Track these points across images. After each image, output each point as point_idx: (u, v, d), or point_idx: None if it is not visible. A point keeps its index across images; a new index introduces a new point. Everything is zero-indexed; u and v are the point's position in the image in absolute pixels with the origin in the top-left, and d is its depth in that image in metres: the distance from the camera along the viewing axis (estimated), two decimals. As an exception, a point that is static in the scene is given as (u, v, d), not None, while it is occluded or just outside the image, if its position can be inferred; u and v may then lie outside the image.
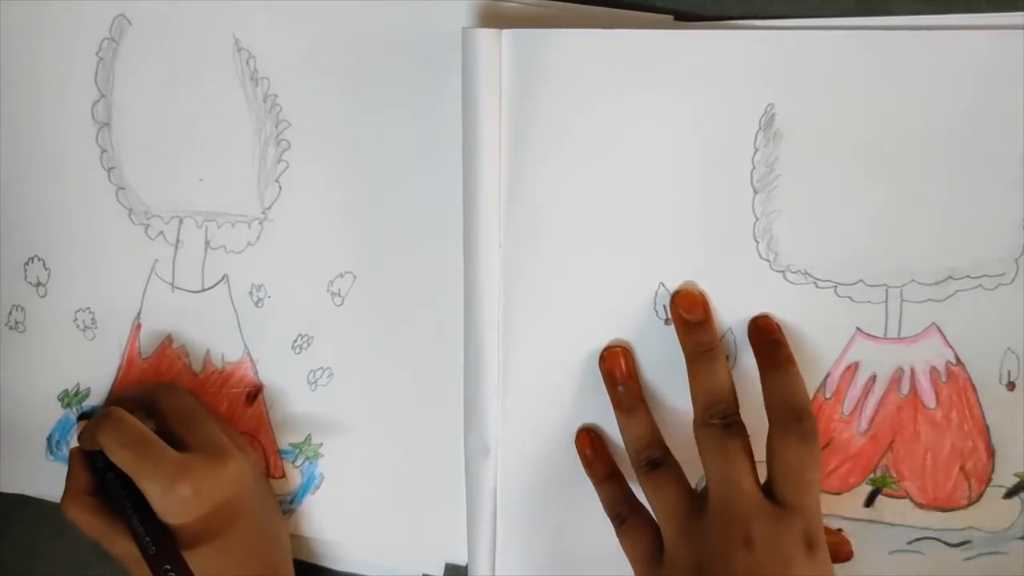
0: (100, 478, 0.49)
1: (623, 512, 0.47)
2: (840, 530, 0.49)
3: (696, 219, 0.46)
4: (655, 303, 0.47)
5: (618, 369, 0.47)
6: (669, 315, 0.47)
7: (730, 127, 0.45)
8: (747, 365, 0.47)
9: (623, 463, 0.48)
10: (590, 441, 0.49)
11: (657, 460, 0.46)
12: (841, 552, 0.48)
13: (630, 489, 0.48)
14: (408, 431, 0.53)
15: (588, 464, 0.49)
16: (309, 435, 0.53)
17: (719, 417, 0.44)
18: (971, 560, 0.49)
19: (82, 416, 0.53)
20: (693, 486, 0.46)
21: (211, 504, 0.47)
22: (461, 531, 0.52)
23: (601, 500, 0.48)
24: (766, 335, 0.47)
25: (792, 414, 0.44)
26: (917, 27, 0.44)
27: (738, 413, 0.44)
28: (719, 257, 0.47)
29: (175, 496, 0.46)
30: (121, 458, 0.47)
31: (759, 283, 0.47)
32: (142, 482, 0.46)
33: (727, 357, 0.47)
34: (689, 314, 0.46)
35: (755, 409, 0.45)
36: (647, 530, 0.46)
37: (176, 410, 0.50)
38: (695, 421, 0.45)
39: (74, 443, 0.53)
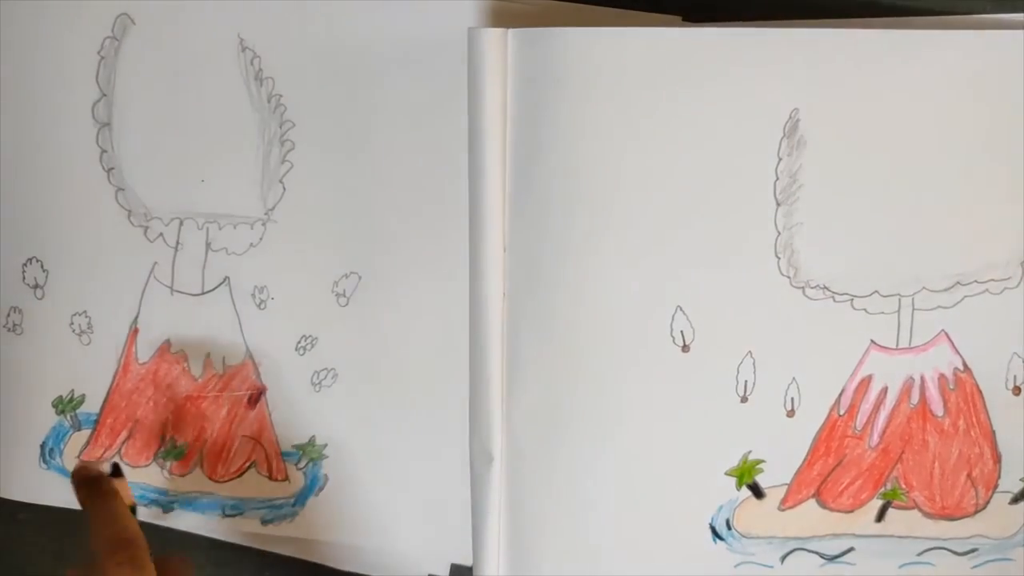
0: None
1: None
2: None
3: (714, 234, 0.46)
4: (671, 328, 0.47)
5: None
6: (686, 342, 0.47)
7: (752, 134, 0.45)
8: (763, 387, 0.47)
9: None
10: None
11: None
12: None
13: None
14: (413, 432, 0.52)
15: None
16: (313, 437, 0.53)
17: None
18: (979, 567, 0.49)
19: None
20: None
21: None
22: (466, 530, 0.52)
23: None
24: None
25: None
26: (924, 27, 0.44)
27: None
28: (738, 275, 0.46)
29: None
30: None
31: (779, 302, 0.46)
32: None
33: (745, 383, 0.47)
34: None
35: None
36: None
37: None
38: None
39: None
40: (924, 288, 0.46)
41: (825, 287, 0.46)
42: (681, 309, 0.47)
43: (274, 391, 0.53)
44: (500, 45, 0.44)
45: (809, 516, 0.49)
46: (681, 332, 0.47)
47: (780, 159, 0.45)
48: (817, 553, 0.50)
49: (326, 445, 0.53)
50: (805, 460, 0.49)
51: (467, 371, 0.49)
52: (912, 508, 0.49)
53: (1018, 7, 0.44)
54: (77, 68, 0.50)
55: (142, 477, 0.54)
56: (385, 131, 0.49)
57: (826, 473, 0.49)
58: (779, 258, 0.46)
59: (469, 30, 0.45)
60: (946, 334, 0.47)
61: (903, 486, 0.49)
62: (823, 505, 0.49)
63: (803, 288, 0.46)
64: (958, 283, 0.46)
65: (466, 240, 0.47)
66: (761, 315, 0.47)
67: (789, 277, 0.46)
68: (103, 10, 0.49)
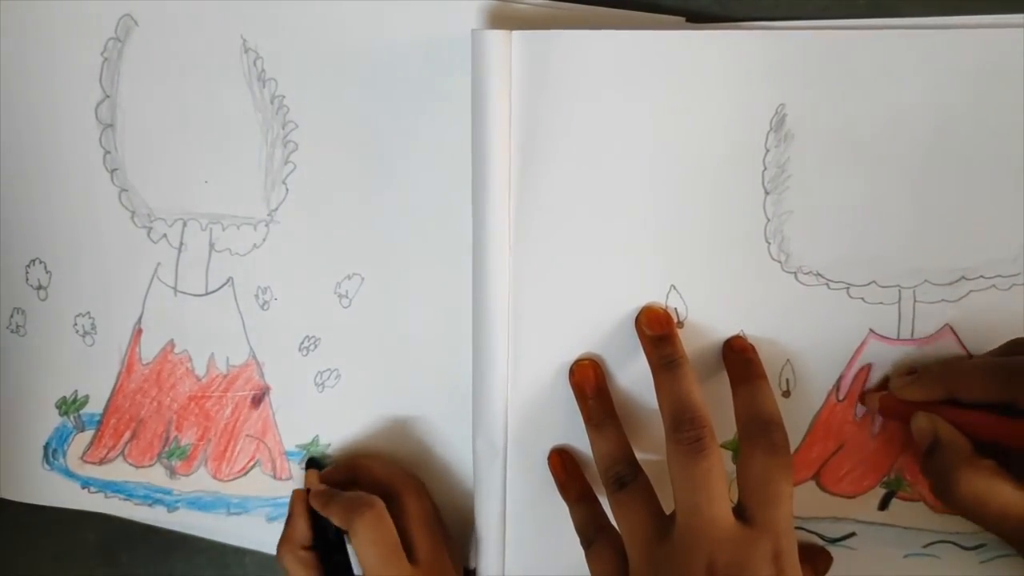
0: (318, 534, 0.50)
1: (590, 535, 0.46)
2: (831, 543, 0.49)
3: (707, 221, 0.46)
4: (666, 307, 0.47)
5: (588, 383, 0.47)
6: (679, 319, 0.47)
7: (741, 128, 0.45)
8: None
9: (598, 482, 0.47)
10: (562, 463, 0.49)
11: (625, 478, 0.44)
12: (821, 564, 0.49)
13: (601, 511, 0.47)
14: (416, 433, 0.53)
15: (560, 486, 0.48)
16: (316, 436, 0.53)
17: (686, 430, 0.41)
18: (987, 563, 0.49)
19: (311, 463, 0.53)
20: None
21: None
22: (469, 533, 0.52)
23: (573, 522, 0.47)
24: (739, 354, 0.46)
25: (759, 424, 0.42)
26: (924, 27, 0.44)
27: (708, 427, 0.42)
28: (730, 259, 0.46)
29: None
30: (367, 556, 0.47)
31: (771, 285, 0.46)
32: None
33: None
34: (652, 330, 0.46)
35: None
36: (613, 554, 0.44)
37: (420, 515, 0.50)
38: (665, 436, 0.42)
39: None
40: (926, 281, 0.46)
41: (819, 274, 0.46)
42: (675, 288, 0.47)
43: (278, 391, 0.53)
44: (504, 47, 0.44)
45: (808, 497, 0.49)
46: (675, 309, 0.47)
47: (768, 151, 0.45)
48: (816, 534, 0.50)
49: (329, 445, 0.53)
50: (803, 441, 0.49)
51: (470, 371, 0.49)
52: (918, 500, 0.48)
53: (1018, 7, 0.44)
54: (80, 69, 0.50)
55: (146, 477, 0.55)
56: (388, 133, 0.49)
57: (826, 456, 0.48)
58: (769, 243, 0.46)
59: (472, 32, 0.44)
60: (951, 328, 0.46)
61: (907, 478, 0.48)
62: (823, 488, 0.49)
63: (795, 273, 0.46)
64: (963, 278, 0.46)
65: (469, 241, 0.47)
66: (752, 296, 0.47)
67: (780, 262, 0.46)
68: (106, 11, 0.49)
